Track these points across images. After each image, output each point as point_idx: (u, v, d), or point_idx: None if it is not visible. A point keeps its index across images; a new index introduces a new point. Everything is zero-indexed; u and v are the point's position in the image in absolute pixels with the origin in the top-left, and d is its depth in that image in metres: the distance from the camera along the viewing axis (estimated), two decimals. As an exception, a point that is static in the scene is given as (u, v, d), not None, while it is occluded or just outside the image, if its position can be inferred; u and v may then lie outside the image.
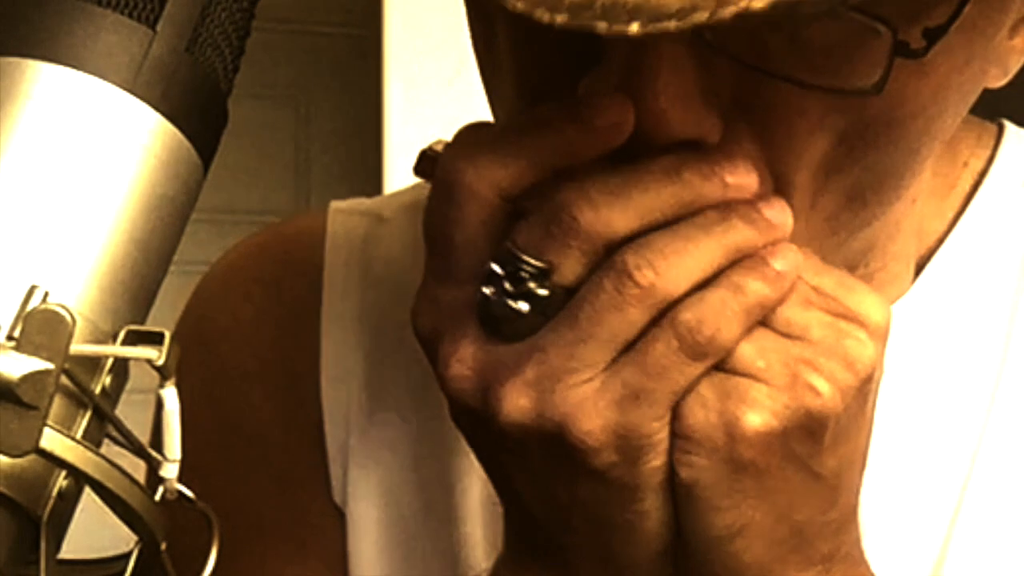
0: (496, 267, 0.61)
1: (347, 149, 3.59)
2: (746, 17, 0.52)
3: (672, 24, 0.52)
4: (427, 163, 0.65)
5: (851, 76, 0.60)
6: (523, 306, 0.61)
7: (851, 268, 0.65)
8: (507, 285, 0.61)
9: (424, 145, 0.66)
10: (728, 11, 0.52)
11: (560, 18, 0.53)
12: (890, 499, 0.75)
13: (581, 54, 0.61)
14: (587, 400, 0.60)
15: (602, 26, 0.52)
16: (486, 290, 0.61)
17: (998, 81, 0.68)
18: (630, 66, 0.60)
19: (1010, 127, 0.81)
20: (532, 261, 0.60)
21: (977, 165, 0.79)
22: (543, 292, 0.60)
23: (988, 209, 0.78)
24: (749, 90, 0.61)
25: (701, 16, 0.52)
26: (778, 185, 0.63)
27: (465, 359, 0.62)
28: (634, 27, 0.52)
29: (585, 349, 0.60)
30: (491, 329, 0.62)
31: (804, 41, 0.60)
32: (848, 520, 0.65)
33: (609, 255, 0.60)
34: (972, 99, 0.68)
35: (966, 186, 0.79)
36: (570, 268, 0.60)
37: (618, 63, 0.60)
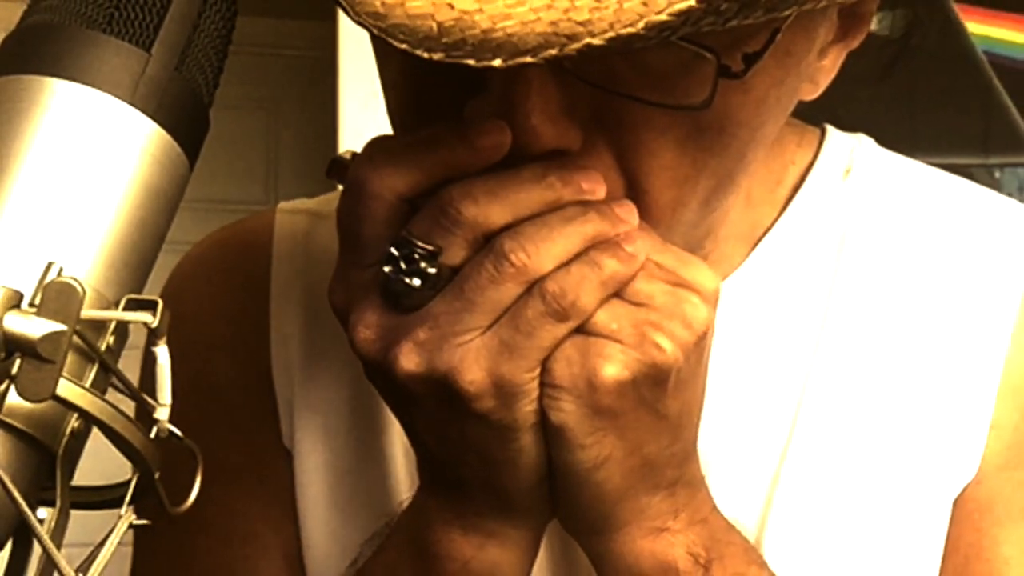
0: (394, 250, 0.62)
1: (309, 151, 3.57)
2: (588, 52, 0.53)
3: (528, 58, 0.53)
4: (337, 168, 0.66)
5: (685, 94, 0.61)
6: (416, 282, 0.62)
7: (692, 250, 0.66)
8: (403, 265, 0.62)
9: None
10: (574, 46, 0.53)
11: (437, 55, 0.54)
12: (727, 443, 0.76)
13: (467, 83, 0.62)
14: (469, 355, 0.61)
15: (471, 61, 0.53)
16: (386, 269, 0.62)
17: (811, 95, 0.69)
18: (506, 92, 0.61)
19: (832, 130, 0.82)
20: (423, 245, 0.61)
21: (803, 162, 0.80)
22: (432, 270, 0.62)
23: (812, 198, 0.79)
24: (604, 107, 0.62)
25: (552, 51, 0.53)
26: (631, 185, 0.64)
27: (370, 325, 0.63)
28: (497, 61, 0.53)
29: (468, 316, 0.61)
30: (391, 302, 0.63)
31: (645, 65, 0.61)
32: (689, 453, 0.67)
33: (487, 241, 0.61)
34: (789, 109, 0.69)
35: (793, 179, 0.80)
36: (455, 251, 0.61)
37: (497, 90, 0.61)
